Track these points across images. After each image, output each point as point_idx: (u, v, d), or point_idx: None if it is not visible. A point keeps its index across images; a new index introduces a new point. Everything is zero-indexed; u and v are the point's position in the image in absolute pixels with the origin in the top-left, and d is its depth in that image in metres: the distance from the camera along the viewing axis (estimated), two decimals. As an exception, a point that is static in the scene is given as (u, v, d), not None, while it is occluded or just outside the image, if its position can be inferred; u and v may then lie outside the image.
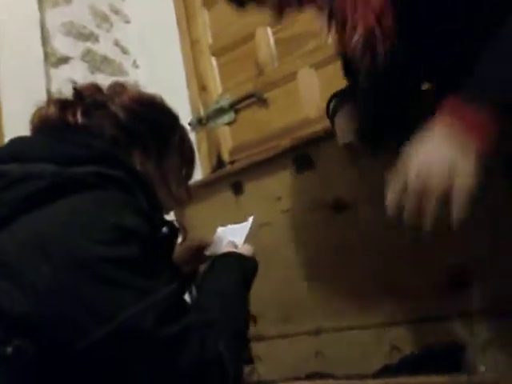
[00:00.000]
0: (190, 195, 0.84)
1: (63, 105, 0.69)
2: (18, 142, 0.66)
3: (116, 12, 2.11)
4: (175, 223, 0.72)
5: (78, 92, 0.70)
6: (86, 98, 0.70)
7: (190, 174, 0.84)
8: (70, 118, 0.67)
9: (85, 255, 0.51)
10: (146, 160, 0.72)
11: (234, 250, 0.82)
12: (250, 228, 0.89)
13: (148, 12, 2.04)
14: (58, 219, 0.54)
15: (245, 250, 0.82)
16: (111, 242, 0.53)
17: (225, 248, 0.82)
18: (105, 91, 0.73)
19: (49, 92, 1.56)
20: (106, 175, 0.60)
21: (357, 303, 1.08)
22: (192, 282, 0.90)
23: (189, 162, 0.83)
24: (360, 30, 0.68)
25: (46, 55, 1.65)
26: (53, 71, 1.65)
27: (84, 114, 0.67)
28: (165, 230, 0.67)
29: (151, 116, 0.73)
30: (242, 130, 1.67)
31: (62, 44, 1.75)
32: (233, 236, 0.88)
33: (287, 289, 1.17)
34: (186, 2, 1.94)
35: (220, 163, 1.72)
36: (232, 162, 1.64)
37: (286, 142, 1.22)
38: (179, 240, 0.76)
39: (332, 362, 1.10)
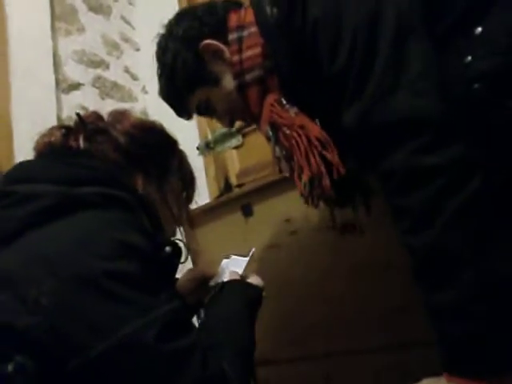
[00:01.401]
0: (183, 222, 0.86)
1: (66, 131, 0.71)
2: (24, 164, 0.68)
3: (126, 40, 2.17)
4: (178, 243, 0.73)
5: (81, 119, 0.72)
6: (88, 124, 0.72)
7: (190, 197, 0.87)
8: (73, 143, 0.69)
9: (88, 270, 0.52)
10: (147, 183, 0.73)
11: (239, 278, 0.83)
12: (249, 259, 0.90)
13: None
14: (62, 236, 0.55)
15: (253, 279, 0.83)
16: (114, 257, 0.54)
17: (229, 277, 0.83)
18: (106, 119, 0.75)
19: (59, 118, 1.59)
20: (110, 195, 0.61)
21: (367, 326, 1.05)
22: (196, 312, 0.90)
23: (189, 185, 0.85)
24: (305, 178, 0.75)
25: (58, 82, 1.68)
26: (64, 97, 1.68)
27: (86, 140, 0.70)
28: (168, 249, 0.68)
29: (151, 141, 0.75)
30: (250, 154, 1.68)
31: (73, 71, 1.79)
32: (235, 267, 0.89)
33: (295, 311, 1.15)
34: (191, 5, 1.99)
35: (227, 186, 1.72)
36: (239, 186, 1.64)
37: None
38: (183, 259, 0.76)
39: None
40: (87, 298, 0.51)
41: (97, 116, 0.75)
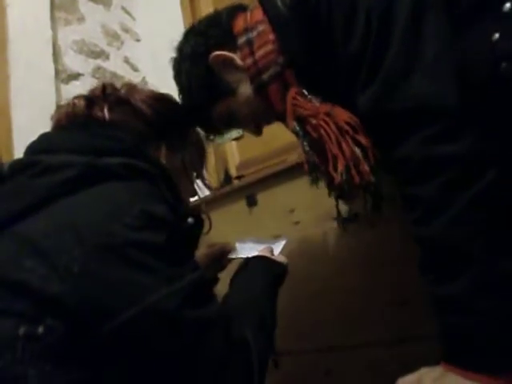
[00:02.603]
0: (195, 192, 0.87)
1: (90, 101, 0.72)
2: (48, 135, 0.69)
3: (127, 31, 2.16)
4: (200, 214, 0.74)
5: (104, 89, 0.73)
6: (110, 95, 0.72)
7: (202, 169, 0.88)
8: (97, 114, 0.70)
9: (114, 240, 0.53)
10: (170, 154, 0.75)
11: (269, 254, 0.85)
12: (282, 247, 0.93)
13: (158, 31, 2.08)
14: (89, 205, 0.56)
15: (280, 258, 0.86)
16: (140, 228, 0.55)
17: (261, 252, 0.86)
18: (121, 89, 0.75)
19: (59, 108, 1.59)
20: (134, 166, 0.63)
21: (369, 319, 1.06)
22: (212, 286, 0.91)
23: (203, 154, 0.87)
24: (341, 167, 0.71)
25: (57, 72, 1.68)
26: (63, 87, 1.68)
27: (110, 110, 0.70)
28: (190, 220, 0.69)
29: (170, 111, 0.76)
30: (249, 146, 1.68)
31: (72, 61, 1.79)
32: (260, 243, 0.92)
33: (297, 303, 1.15)
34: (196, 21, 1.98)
35: (227, 178, 1.72)
36: (239, 177, 1.64)
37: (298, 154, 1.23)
38: (205, 230, 0.78)
39: (344, 381, 1.08)
40: (114, 266, 0.53)
41: (113, 87, 0.75)
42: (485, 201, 0.56)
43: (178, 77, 0.86)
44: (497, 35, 0.58)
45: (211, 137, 1.79)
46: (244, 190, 1.32)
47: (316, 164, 0.76)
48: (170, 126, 0.75)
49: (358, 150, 0.70)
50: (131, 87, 0.76)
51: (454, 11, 0.62)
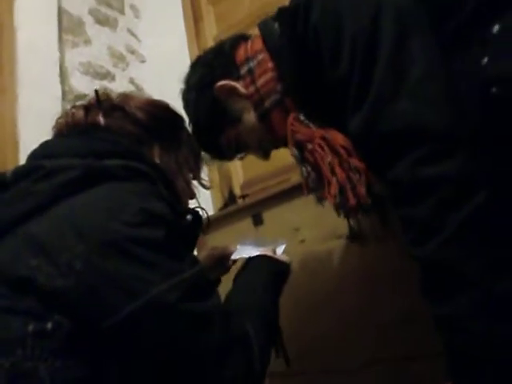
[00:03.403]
0: (194, 193, 0.88)
1: (86, 109, 0.74)
2: (49, 142, 0.72)
3: (132, 52, 2.20)
4: (199, 211, 0.76)
5: (98, 97, 0.75)
6: (104, 102, 0.75)
7: (200, 168, 0.90)
8: (93, 120, 0.72)
9: (115, 236, 0.55)
10: (164, 153, 0.77)
11: (271, 254, 0.87)
12: (284, 249, 0.94)
13: (163, 52, 2.12)
14: (90, 205, 0.58)
15: (282, 257, 0.87)
16: (139, 224, 0.57)
17: (263, 252, 0.87)
18: (117, 98, 0.78)
19: (65, 128, 1.61)
20: (132, 168, 0.65)
21: (375, 338, 1.04)
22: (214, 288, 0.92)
23: (198, 157, 0.88)
24: (333, 190, 0.72)
25: (64, 93, 1.71)
26: (70, 108, 1.70)
27: (105, 116, 0.72)
28: (189, 217, 0.71)
29: (163, 115, 0.79)
30: (254, 165, 1.68)
31: (79, 82, 1.81)
32: (261, 244, 0.93)
33: (302, 323, 1.14)
34: (200, 42, 2.02)
35: (232, 197, 1.72)
36: (243, 197, 1.64)
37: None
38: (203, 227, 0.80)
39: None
40: (115, 262, 0.54)
41: (108, 95, 0.78)
42: (477, 222, 0.56)
43: (186, 107, 0.88)
44: (486, 59, 0.58)
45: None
46: (250, 209, 1.33)
47: (314, 188, 0.77)
48: (163, 127, 0.77)
49: (352, 173, 0.71)
50: (125, 95, 0.79)
51: (441, 34, 0.62)
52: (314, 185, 0.76)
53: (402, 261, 0.96)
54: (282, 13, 0.78)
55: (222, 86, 0.81)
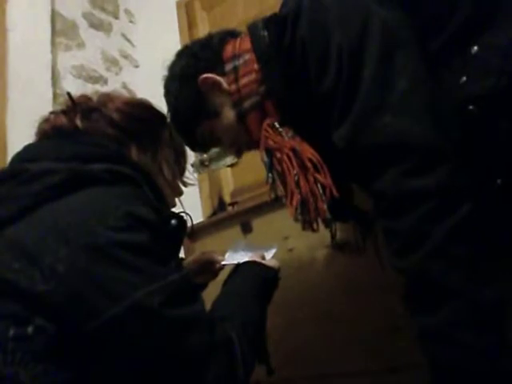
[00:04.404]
0: (181, 191, 0.88)
1: (64, 113, 0.74)
2: (32, 145, 0.72)
3: (126, 57, 2.20)
4: (183, 216, 0.75)
5: (72, 100, 0.75)
6: (81, 104, 0.75)
7: (184, 168, 0.89)
8: (71, 123, 0.72)
9: (99, 240, 0.55)
10: (141, 154, 0.76)
11: (260, 260, 0.87)
12: (274, 253, 0.95)
13: (157, 58, 2.11)
14: (74, 208, 0.58)
15: (271, 263, 0.87)
16: (123, 229, 0.57)
17: (252, 258, 0.87)
18: (96, 100, 0.77)
19: (55, 131, 1.60)
20: (117, 171, 0.64)
21: (361, 347, 1.04)
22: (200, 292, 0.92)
23: (181, 156, 0.88)
24: (295, 202, 0.74)
25: (55, 96, 1.70)
26: (61, 111, 1.69)
27: (82, 119, 0.72)
28: (174, 222, 0.70)
29: (141, 115, 0.78)
30: (244, 172, 1.69)
31: (71, 86, 1.80)
32: (252, 251, 0.93)
33: (289, 331, 1.14)
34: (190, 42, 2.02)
35: (221, 205, 1.72)
36: (232, 204, 1.64)
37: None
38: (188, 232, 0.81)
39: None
40: (99, 266, 0.54)
41: (87, 97, 0.78)
42: (460, 234, 0.57)
43: (166, 95, 0.89)
44: (464, 78, 0.61)
45: (206, 163, 1.80)
46: (240, 217, 1.33)
47: (278, 196, 0.78)
48: (140, 128, 0.77)
49: (316, 188, 0.72)
50: (106, 95, 0.79)
51: (425, 52, 0.64)
52: (280, 192, 0.77)
53: (385, 272, 0.97)
54: (270, 22, 0.78)
55: (206, 78, 0.81)
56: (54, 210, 0.58)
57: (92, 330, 0.52)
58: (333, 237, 0.94)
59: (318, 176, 0.72)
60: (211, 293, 0.80)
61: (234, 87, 0.80)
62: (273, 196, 0.79)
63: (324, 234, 1.05)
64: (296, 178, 0.73)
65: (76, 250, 0.54)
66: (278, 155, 0.75)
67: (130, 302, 0.53)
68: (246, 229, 1.30)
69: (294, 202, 0.73)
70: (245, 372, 0.61)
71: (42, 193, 0.59)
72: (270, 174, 0.78)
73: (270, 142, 0.77)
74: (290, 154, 0.74)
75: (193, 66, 0.84)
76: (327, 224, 0.82)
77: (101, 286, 0.53)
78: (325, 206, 0.72)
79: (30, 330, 0.52)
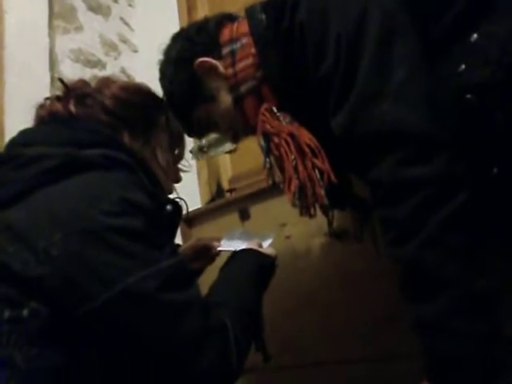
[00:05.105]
0: (179, 177, 0.88)
1: (59, 99, 0.74)
2: (28, 130, 0.72)
3: (124, 41, 2.17)
4: (179, 202, 0.75)
5: (66, 86, 0.75)
6: (76, 90, 0.75)
7: (181, 154, 0.89)
8: (66, 109, 0.72)
9: (94, 225, 0.55)
10: (133, 139, 0.76)
11: (257, 248, 0.87)
12: (271, 242, 0.96)
13: (156, 43, 2.09)
14: (69, 193, 0.58)
15: (268, 251, 0.88)
16: (118, 214, 0.57)
17: (249, 245, 0.88)
18: (93, 85, 0.77)
19: (53, 115, 1.58)
20: (112, 157, 0.65)
21: (357, 335, 1.05)
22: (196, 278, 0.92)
23: (178, 142, 0.88)
24: (293, 187, 0.73)
25: (53, 80, 1.68)
26: (58, 95, 1.68)
27: (76, 104, 0.72)
28: (169, 207, 0.71)
29: (136, 101, 0.78)
30: (243, 159, 1.68)
31: (69, 69, 1.79)
32: (249, 239, 0.93)
33: (285, 318, 1.15)
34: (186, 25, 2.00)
35: (219, 191, 1.72)
36: (230, 191, 1.64)
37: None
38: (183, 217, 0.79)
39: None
40: (93, 250, 0.54)
41: (83, 83, 0.77)
42: (456, 223, 0.57)
43: (162, 79, 0.88)
44: (463, 66, 0.60)
45: (205, 149, 1.80)
46: (237, 204, 1.33)
47: (275, 181, 0.78)
48: (134, 113, 0.77)
49: (314, 173, 0.72)
50: (101, 81, 0.78)
51: (424, 40, 0.63)
52: (277, 177, 0.77)
53: (381, 260, 0.98)
54: (269, 6, 0.77)
55: (202, 62, 0.80)
56: (49, 195, 0.58)
57: (85, 314, 0.53)
58: (330, 224, 0.94)
59: (315, 161, 0.72)
60: (207, 279, 0.81)
61: (230, 71, 0.79)
62: (270, 182, 0.78)
63: (321, 221, 1.05)
64: (294, 163, 0.72)
65: (70, 235, 0.54)
66: (276, 140, 0.75)
67: (124, 286, 0.53)
68: (244, 215, 1.30)
69: (292, 188, 0.73)
70: (238, 358, 0.62)
71: (37, 177, 0.59)
72: (267, 159, 0.77)
73: (268, 127, 0.76)
74: (288, 138, 0.73)
75: (189, 49, 0.83)
76: (325, 211, 0.82)
77: (94, 271, 0.54)
78: (322, 192, 0.72)
79: (25, 312, 0.52)
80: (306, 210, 0.77)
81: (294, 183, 0.73)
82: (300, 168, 0.72)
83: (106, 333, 0.55)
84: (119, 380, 0.60)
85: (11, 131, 1.42)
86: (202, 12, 2.03)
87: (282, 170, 0.75)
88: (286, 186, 0.74)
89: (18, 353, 0.51)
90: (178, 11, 2.09)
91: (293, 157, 0.72)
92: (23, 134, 0.70)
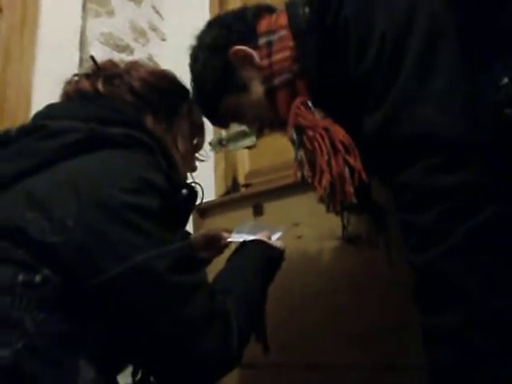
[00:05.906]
0: (195, 167, 0.90)
1: (88, 77, 0.76)
2: (54, 104, 0.73)
3: (154, 29, 2.19)
4: (195, 186, 0.76)
5: (96, 64, 0.77)
6: (106, 69, 0.76)
7: (200, 144, 0.90)
8: (93, 87, 0.74)
9: (110, 199, 0.56)
10: (157, 123, 0.77)
11: (266, 239, 0.87)
12: (281, 234, 0.96)
13: (185, 33, 2.10)
14: (90, 167, 0.60)
15: (277, 243, 0.88)
16: (135, 191, 0.58)
17: (259, 235, 0.88)
18: (121, 67, 0.79)
19: (79, 96, 1.61)
20: (134, 137, 0.66)
21: (358, 342, 1.05)
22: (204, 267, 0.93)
23: (198, 131, 0.89)
24: (325, 182, 0.72)
25: (81, 60, 1.70)
26: (86, 76, 1.70)
27: (104, 83, 0.74)
28: (185, 191, 0.71)
29: (162, 86, 0.79)
30: (261, 156, 1.68)
31: (98, 52, 1.80)
32: (260, 230, 0.93)
33: (288, 317, 1.15)
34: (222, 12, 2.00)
35: (235, 186, 1.72)
36: (246, 186, 1.64)
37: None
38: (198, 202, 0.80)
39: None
40: (108, 225, 0.56)
41: (112, 63, 0.79)
42: (483, 235, 0.56)
43: (193, 64, 0.87)
44: (506, 79, 0.59)
45: (224, 142, 1.80)
46: (252, 199, 1.33)
47: (305, 175, 0.76)
48: (159, 98, 0.78)
49: (346, 170, 0.71)
50: (130, 63, 0.80)
51: (469, 47, 0.62)
52: (306, 171, 0.76)
53: (392, 270, 0.97)
54: (314, 0, 0.76)
55: (238, 50, 0.80)
56: (70, 168, 0.60)
57: (94, 287, 0.54)
58: (344, 228, 0.93)
59: (348, 158, 0.71)
60: (215, 270, 0.81)
61: (265, 62, 0.79)
62: (299, 175, 0.77)
63: (334, 225, 1.05)
64: (327, 157, 0.71)
65: (87, 208, 0.56)
66: (310, 133, 0.74)
67: (134, 263, 0.54)
68: (257, 211, 1.31)
69: (324, 182, 0.72)
70: (239, 345, 0.62)
71: (60, 150, 0.61)
72: (298, 153, 0.76)
73: (301, 120, 0.75)
74: (323, 133, 0.72)
75: (225, 36, 0.82)
76: (348, 210, 0.80)
77: (107, 245, 0.55)
78: (352, 190, 0.71)
79: (37, 278, 0.54)
80: (333, 206, 0.76)
81: (326, 178, 0.72)
82: (333, 163, 0.71)
83: (113, 307, 0.56)
84: (121, 354, 0.61)
85: (38, 106, 1.45)
86: (233, 4, 2.03)
87: (313, 164, 0.74)
88: (317, 180, 0.73)
89: (28, 316, 0.52)
90: (210, 3, 2.09)
91: (326, 151, 0.72)
92: (49, 107, 0.72)
